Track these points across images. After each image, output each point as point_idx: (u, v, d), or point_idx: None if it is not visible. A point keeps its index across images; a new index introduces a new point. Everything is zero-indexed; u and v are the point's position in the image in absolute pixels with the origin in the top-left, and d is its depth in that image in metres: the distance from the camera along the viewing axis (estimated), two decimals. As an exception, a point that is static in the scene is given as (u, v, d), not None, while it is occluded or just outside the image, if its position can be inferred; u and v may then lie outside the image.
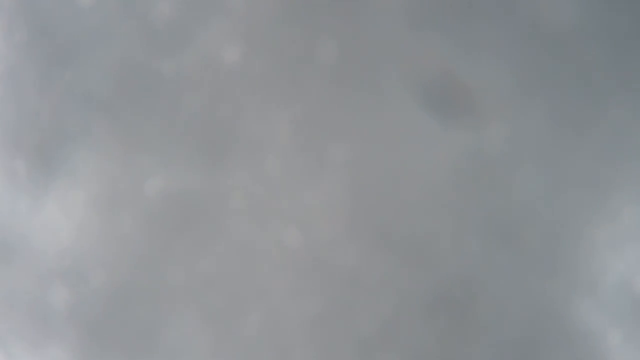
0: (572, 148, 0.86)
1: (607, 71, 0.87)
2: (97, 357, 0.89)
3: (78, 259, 0.90)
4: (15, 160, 0.93)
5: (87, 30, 0.91)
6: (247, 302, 0.86)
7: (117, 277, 0.88)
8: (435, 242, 0.86)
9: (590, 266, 0.86)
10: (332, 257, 0.86)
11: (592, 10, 0.88)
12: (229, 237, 0.86)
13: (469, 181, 0.86)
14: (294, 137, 0.87)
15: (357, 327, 0.86)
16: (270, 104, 0.87)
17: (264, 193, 0.86)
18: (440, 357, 0.85)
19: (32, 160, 0.93)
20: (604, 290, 0.86)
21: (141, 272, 0.88)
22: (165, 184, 0.88)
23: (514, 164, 0.86)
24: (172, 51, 0.89)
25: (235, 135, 0.87)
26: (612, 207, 0.87)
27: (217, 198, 0.87)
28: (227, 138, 0.88)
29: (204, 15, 0.89)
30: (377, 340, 0.86)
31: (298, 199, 0.86)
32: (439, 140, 0.86)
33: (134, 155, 0.89)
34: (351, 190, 0.87)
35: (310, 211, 0.86)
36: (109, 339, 0.89)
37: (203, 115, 0.88)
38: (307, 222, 0.86)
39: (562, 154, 0.86)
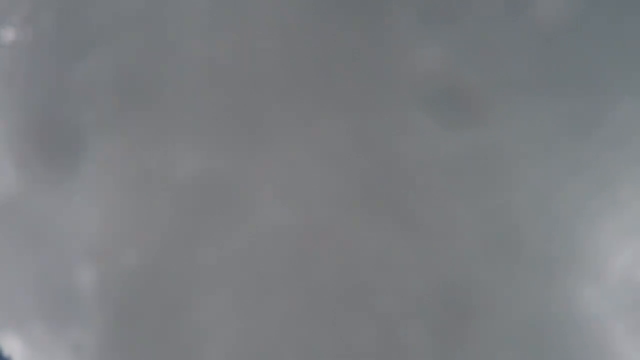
0: (578, 142, 0.88)
1: (608, 67, 0.88)
2: (122, 339, 0.89)
3: (107, 239, 0.90)
4: (43, 141, 0.93)
5: (117, 13, 0.91)
6: (277, 283, 0.87)
7: (147, 257, 0.89)
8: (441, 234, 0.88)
9: (596, 257, 0.88)
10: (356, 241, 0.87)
11: (591, 8, 0.88)
12: (259, 219, 0.87)
13: (471, 177, 0.87)
14: (324, 125, 0.88)
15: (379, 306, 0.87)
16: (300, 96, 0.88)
17: (291, 178, 0.87)
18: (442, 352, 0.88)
19: (61, 142, 0.92)
20: (609, 281, 0.88)
21: (171, 253, 0.88)
22: (195, 167, 0.88)
23: (521, 159, 0.87)
24: (205, 35, 0.90)
25: (265, 121, 0.88)
26: (617, 200, 0.88)
27: (246, 181, 0.88)
28: (258, 124, 0.88)
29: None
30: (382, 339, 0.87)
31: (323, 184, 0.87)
32: (440, 139, 0.87)
33: (165, 138, 0.89)
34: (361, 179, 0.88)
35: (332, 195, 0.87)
36: (136, 321, 0.89)
37: (234, 102, 0.89)
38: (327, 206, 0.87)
39: (567, 149, 0.87)
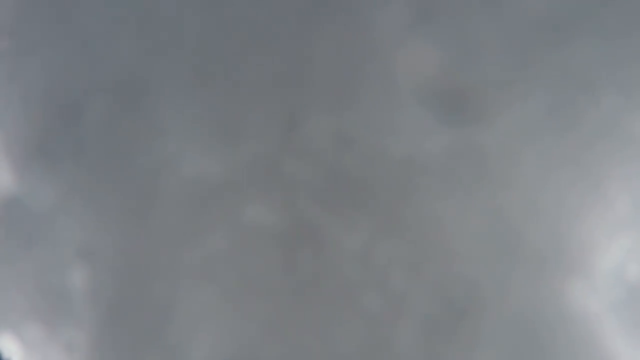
0: (567, 138, 0.87)
1: (593, 63, 0.87)
2: (112, 337, 0.91)
3: (96, 239, 0.92)
4: (38, 143, 0.95)
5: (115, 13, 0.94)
6: (262, 281, 0.88)
7: (137, 257, 0.90)
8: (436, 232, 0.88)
9: (586, 254, 0.87)
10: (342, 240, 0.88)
11: (584, 3, 0.88)
12: (243, 218, 0.88)
13: (459, 175, 0.87)
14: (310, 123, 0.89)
15: (359, 325, 0.87)
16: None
17: (275, 176, 0.88)
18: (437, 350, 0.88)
19: (54, 143, 0.94)
20: (599, 277, 0.88)
21: (160, 253, 0.90)
22: (183, 167, 0.90)
23: (510, 156, 0.87)
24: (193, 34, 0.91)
25: (250, 121, 0.89)
26: (607, 196, 0.88)
27: (231, 179, 0.89)
28: (242, 124, 0.89)
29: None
30: (378, 342, 0.88)
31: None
32: (437, 136, 0.87)
33: (156, 139, 0.91)
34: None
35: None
36: (124, 319, 0.91)
37: (219, 105, 0.90)
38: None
39: (556, 144, 0.87)
